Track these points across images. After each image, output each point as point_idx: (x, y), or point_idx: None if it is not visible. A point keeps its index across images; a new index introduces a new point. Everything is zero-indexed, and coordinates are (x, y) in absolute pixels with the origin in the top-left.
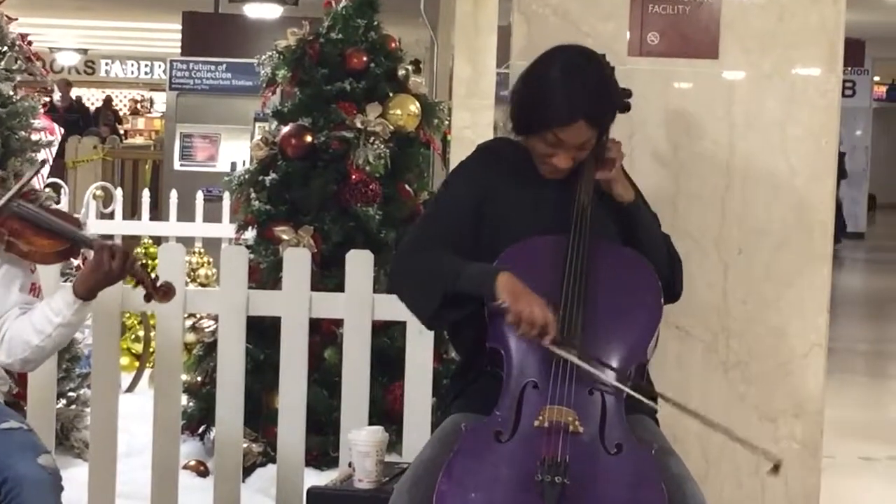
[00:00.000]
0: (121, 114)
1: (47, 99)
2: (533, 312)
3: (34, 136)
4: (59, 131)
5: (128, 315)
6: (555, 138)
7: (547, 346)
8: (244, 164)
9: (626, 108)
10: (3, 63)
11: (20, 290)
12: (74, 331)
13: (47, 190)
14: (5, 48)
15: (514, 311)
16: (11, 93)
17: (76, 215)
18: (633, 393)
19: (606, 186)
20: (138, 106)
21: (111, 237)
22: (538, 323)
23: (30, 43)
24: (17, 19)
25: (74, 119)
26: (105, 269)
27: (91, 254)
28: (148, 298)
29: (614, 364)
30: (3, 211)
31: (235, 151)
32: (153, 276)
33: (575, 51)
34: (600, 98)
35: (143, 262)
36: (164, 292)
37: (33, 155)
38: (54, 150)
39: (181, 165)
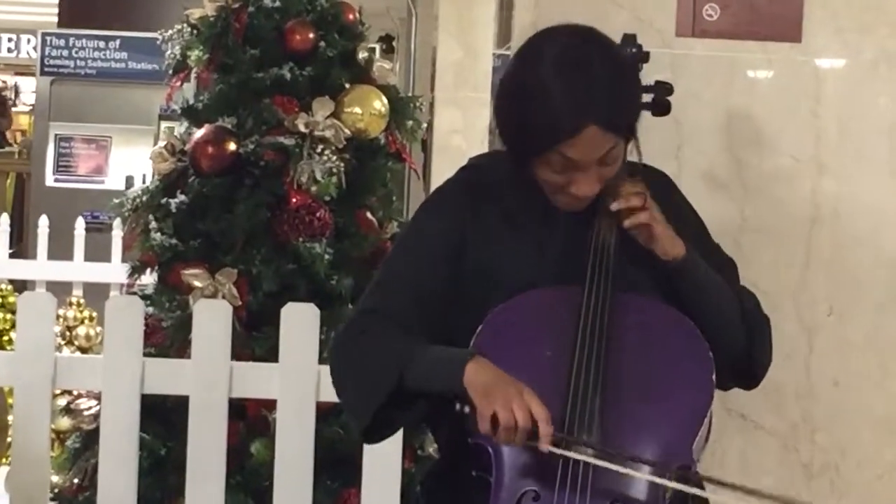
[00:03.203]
0: None
1: None
2: (511, 413)
3: None
4: None
5: None
6: (563, 159)
7: (545, 450)
8: (145, 180)
9: (665, 108)
10: None
11: None
12: None
13: None
14: None
15: (484, 415)
16: None
17: None
18: (677, 486)
19: (643, 238)
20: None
21: None
22: (521, 426)
23: None
24: None
25: None
26: None
27: None
28: None
29: (648, 461)
30: None
31: (131, 162)
32: None
33: (568, 32)
34: (613, 91)
35: None
36: None
37: None
38: None
39: (56, 181)
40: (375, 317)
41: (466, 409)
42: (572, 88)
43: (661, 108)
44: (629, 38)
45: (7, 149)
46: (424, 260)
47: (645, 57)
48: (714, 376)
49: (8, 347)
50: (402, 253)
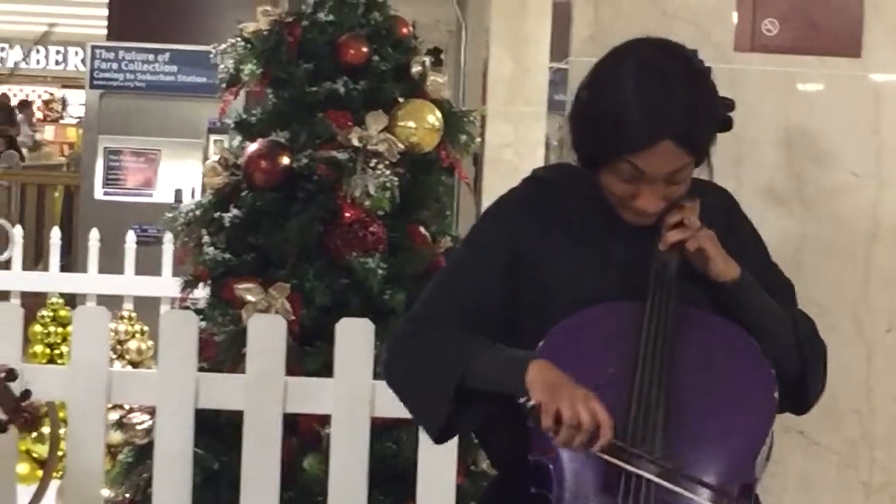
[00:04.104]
0: (20, 119)
1: None
2: (576, 411)
3: None
4: None
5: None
6: (633, 169)
7: (602, 456)
8: (194, 194)
9: (727, 124)
10: None
11: None
12: None
13: None
14: None
15: (548, 411)
16: None
17: None
18: None
19: (697, 260)
20: (48, 109)
21: (6, 294)
22: (584, 426)
23: None
24: None
25: None
26: None
27: None
28: (2, 428)
29: (711, 480)
30: None
31: (181, 175)
32: (15, 394)
33: (652, 46)
34: (692, 109)
35: (2, 374)
36: (28, 420)
37: None
38: None
39: (105, 194)
40: (434, 320)
41: (530, 403)
42: (651, 100)
43: (724, 124)
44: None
45: (53, 160)
46: (480, 271)
47: (708, 72)
48: (777, 394)
49: (59, 361)
50: (459, 263)
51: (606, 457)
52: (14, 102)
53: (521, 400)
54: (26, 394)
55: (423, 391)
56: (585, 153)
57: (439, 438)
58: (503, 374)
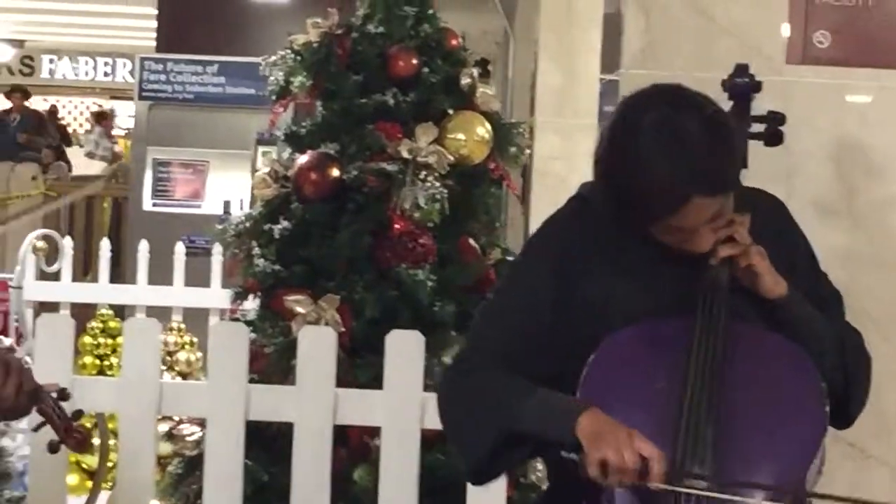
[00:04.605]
0: (70, 130)
1: None
2: (621, 455)
3: None
4: None
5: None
6: (671, 227)
7: (656, 488)
8: (242, 206)
9: (777, 138)
10: None
11: None
12: None
13: None
14: None
15: (592, 461)
16: None
17: None
18: None
19: (745, 275)
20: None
21: (56, 306)
22: (631, 468)
23: None
24: None
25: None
26: None
27: None
28: (54, 448)
29: (762, 495)
30: None
31: (229, 186)
32: (67, 414)
33: (665, 99)
34: (713, 159)
35: (55, 394)
36: (80, 440)
37: None
38: None
39: (154, 205)
40: (485, 355)
41: (574, 457)
42: (672, 165)
43: (774, 139)
44: (742, 68)
45: (102, 171)
46: (532, 295)
47: (758, 87)
48: (827, 408)
49: (108, 372)
50: (511, 286)
51: (657, 485)
52: (58, 113)
53: (564, 454)
54: (78, 414)
55: (469, 436)
56: (622, 219)
57: (479, 481)
58: (553, 427)
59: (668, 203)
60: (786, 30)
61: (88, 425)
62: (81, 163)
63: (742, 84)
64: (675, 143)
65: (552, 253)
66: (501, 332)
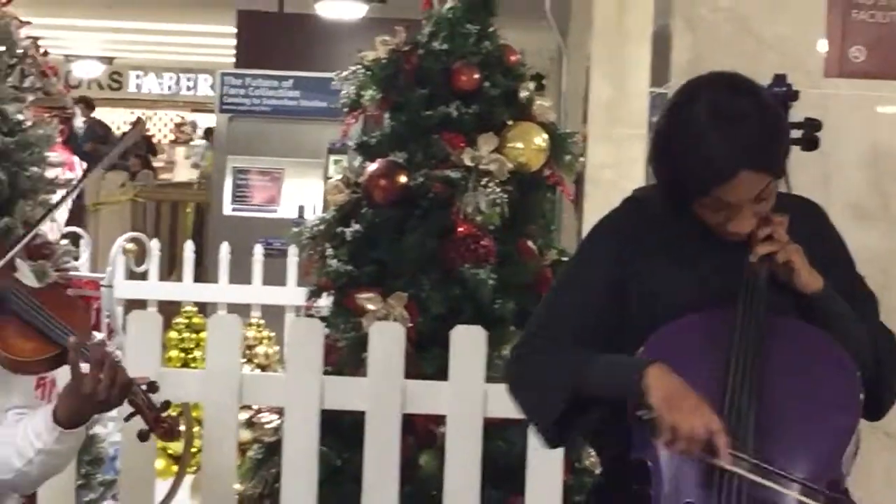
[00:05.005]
0: (155, 141)
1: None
2: (692, 426)
3: (49, 173)
4: (79, 166)
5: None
6: (719, 201)
7: (718, 465)
8: (314, 209)
9: (813, 143)
10: (11, 79)
11: (19, 390)
12: (65, 461)
13: (64, 242)
14: (14, 60)
15: (669, 427)
16: (21, 117)
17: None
18: None
19: (783, 271)
20: (179, 131)
21: (143, 303)
22: (701, 437)
23: (45, 53)
24: (30, 23)
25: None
26: (85, 392)
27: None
28: (144, 436)
29: (800, 476)
30: None
31: (303, 192)
32: (157, 404)
33: (719, 82)
34: (762, 137)
35: (144, 386)
36: (168, 429)
37: (47, 197)
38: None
39: (234, 210)
40: (545, 337)
41: (646, 415)
42: (725, 137)
43: (810, 144)
44: (780, 78)
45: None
46: (589, 287)
47: (794, 95)
48: (862, 396)
49: (192, 365)
50: (569, 279)
51: (709, 459)
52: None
53: (639, 413)
54: (166, 405)
55: (540, 402)
56: (672, 194)
57: (554, 445)
58: (619, 379)
59: (718, 174)
60: (823, 45)
61: (174, 414)
62: (184, 172)
63: (780, 93)
64: (730, 119)
65: (612, 242)
66: (565, 311)
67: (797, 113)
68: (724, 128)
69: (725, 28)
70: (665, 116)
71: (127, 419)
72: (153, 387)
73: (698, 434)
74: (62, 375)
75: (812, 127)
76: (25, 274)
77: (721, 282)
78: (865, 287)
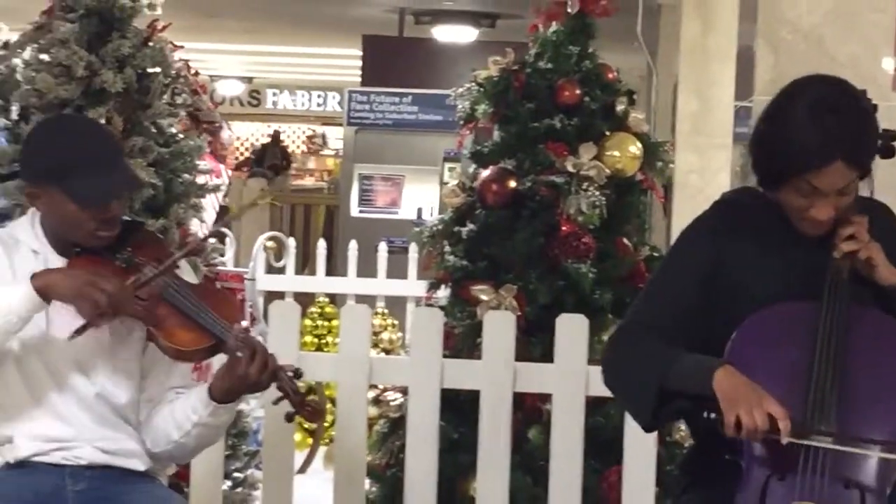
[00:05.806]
0: (290, 151)
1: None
2: (752, 417)
3: (199, 180)
4: (225, 174)
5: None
6: (809, 186)
7: (786, 442)
8: (431, 211)
9: (890, 152)
10: (166, 96)
11: (178, 372)
12: (217, 433)
13: (212, 241)
14: (168, 79)
15: (728, 422)
16: (174, 130)
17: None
18: None
19: (865, 267)
20: (310, 143)
21: (281, 294)
22: (761, 427)
23: (196, 73)
24: (182, 47)
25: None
26: (239, 375)
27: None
28: (290, 418)
29: (878, 448)
30: (153, 286)
31: (421, 196)
32: (302, 389)
33: (826, 81)
34: (859, 134)
35: (290, 373)
36: (311, 412)
37: (198, 201)
38: (221, 195)
39: (360, 212)
40: (641, 327)
41: (713, 416)
42: (825, 128)
43: (888, 152)
44: (862, 92)
45: (315, 184)
46: (683, 279)
47: (875, 108)
48: None
49: (324, 349)
50: (665, 272)
51: (787, 439)
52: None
53: (705, 415)
54: (311, 390)
55: (633, 392)
56: (767, 174)
57: (649, 428)
58: (695, 379)
59: (814, 159)
60: (888, 63)
61: (317, 398)
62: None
63: (871, 104)
64: (831, 113)
65: (701, 243)
66: (658, 305)
67: None
68: (829, 119)
69: (802, 48)
70: (770, 105)
71: (275, 403)
72: (298, 373)
73: (759, 425)
74: (217, 359)
75: (888, 137)
76: (187, 271)
77: (807, 276)
78: None
